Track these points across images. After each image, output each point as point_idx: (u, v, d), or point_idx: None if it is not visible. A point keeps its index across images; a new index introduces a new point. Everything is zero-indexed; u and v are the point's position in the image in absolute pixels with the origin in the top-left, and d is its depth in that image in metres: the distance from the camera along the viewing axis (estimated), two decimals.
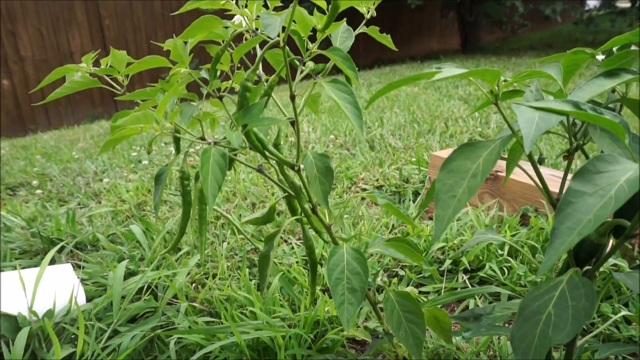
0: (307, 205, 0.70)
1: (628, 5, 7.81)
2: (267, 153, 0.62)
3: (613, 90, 0.57)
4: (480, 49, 8.06)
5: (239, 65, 0.67)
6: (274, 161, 0.67)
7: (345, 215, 1.52)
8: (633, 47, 0.55)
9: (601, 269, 1.04)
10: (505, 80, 0.50)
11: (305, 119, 3.10)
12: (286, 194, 0.71)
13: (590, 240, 0.54)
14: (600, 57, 0.57)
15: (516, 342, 0.46)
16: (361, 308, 1.01)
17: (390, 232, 1.41)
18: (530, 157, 0.49)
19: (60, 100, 5.89)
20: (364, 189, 1.81)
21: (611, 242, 0.56)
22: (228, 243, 1.36)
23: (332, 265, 0.62)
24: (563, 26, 10.77)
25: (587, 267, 0.55)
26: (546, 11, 7.02)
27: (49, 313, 0.98)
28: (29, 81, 5.63)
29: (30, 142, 3.82)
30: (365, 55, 8.14)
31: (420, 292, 1.11)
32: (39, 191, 2.04)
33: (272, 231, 0.70)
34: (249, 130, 0.57)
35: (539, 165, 0.54)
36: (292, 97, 0.60)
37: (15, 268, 1.21)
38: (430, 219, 1.54)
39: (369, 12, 0.64)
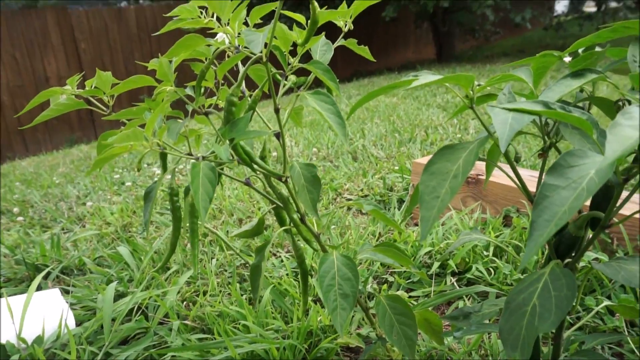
0: (295, 216, 0.71)
1: (594, 9, 8.08)
2: (254, 166, 0.64)
3: (581, 90, 0.60)
4: (455, 57, 8.23)
5: (222, 82, 0.69)
6: (262, 174, 0.68)
7: (333, 226, 1.54)
8: (597, 49, 0.58)
9: (583, 264, 1.07)
10: (479, 85, 0.52)
11: (288, 133, 3.12)
12: (274, 205, 0.73)
13: (569, 234, 0.56)
14: (567, 59, 0.60)
15: (504, 335, 0.48)
16: (353, 315, 1.02)
17: (377, 240, 1.43)
18: (506, 156, 0.51)
19: (37, 126, 5.81)
20: (349, 199, 1.83)
21: (589, 235, 0.59)
22: (217, 260, 1.36)
23: (323, 273, 0.63)
24: (534, 32, 11.07)
25: (567, 260, 0.58)
26: (516, 19, 7.22)
27: (38, 339, 0.97)
28: (4, 108, 5.54)
29: (8, 169, 3.76)
30: (344, 68, 8.25)
31: (410, 297, 1.13)
32: (20, 218, 2.01)
33: (261, 244, 0.71)
34: (236, 143, 0.58)
35: (516, 164, 0.56)
36: (277, 110, 0.61)
37: (1, 296, 1.19)
38: (416, 224, 1.57)
39: (346, 25, 0.66)
